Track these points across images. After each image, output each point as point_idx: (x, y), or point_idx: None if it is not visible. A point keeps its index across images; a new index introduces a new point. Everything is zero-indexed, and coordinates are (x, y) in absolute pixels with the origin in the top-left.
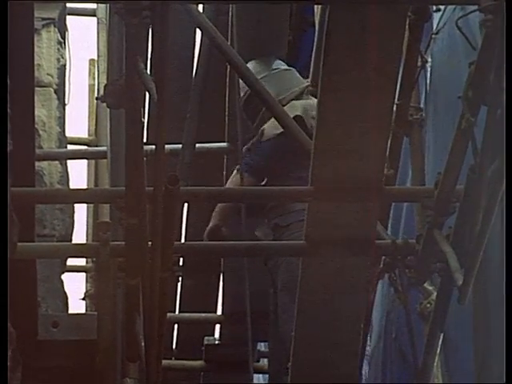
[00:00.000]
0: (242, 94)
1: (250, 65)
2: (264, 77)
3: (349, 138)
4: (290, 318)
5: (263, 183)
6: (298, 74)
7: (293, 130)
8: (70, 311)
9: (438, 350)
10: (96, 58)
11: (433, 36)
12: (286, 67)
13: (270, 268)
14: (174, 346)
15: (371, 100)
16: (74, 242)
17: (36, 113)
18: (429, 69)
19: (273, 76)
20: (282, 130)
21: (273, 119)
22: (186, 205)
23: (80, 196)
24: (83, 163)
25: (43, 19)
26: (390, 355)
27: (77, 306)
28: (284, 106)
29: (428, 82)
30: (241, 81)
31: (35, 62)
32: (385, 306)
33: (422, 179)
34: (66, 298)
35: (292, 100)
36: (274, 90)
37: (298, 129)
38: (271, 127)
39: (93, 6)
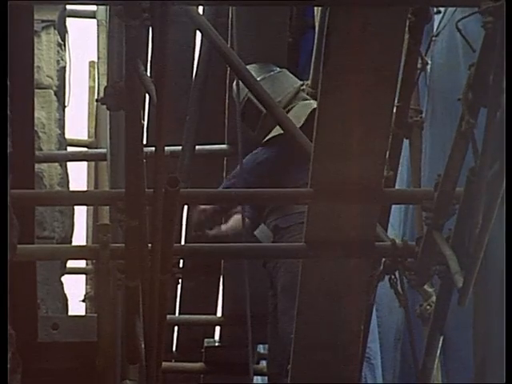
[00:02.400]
0: (241, 97)
1: None
2: (259, 81)
3: (348, 140)
4: (289, 319)
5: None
6: (291, 75)
7: (294, 134)
8: (70, 313)
9: (438, 351)
10: (96, 60)
11: (433, 38)
12: (278, 69)
13: (270, 270)
14: (174, 348)
15: (371, 102)
16: (73, 244)
17: (36, 115)
18: (428, 70)
19: (267, 80)
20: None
21: (277, 127)
22: (185, 207)
23: (80, 198)
24: (83, 165)
25: (43, 21)
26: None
27: (77, 308)
28: (284, 108)
29: (427, 83)
30: (240, 82)
31: (35, 64)
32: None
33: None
34: (66, 300)
35: (289, 101)
36: (270, 93)
37: (299, 132)
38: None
39: (93, 8)
